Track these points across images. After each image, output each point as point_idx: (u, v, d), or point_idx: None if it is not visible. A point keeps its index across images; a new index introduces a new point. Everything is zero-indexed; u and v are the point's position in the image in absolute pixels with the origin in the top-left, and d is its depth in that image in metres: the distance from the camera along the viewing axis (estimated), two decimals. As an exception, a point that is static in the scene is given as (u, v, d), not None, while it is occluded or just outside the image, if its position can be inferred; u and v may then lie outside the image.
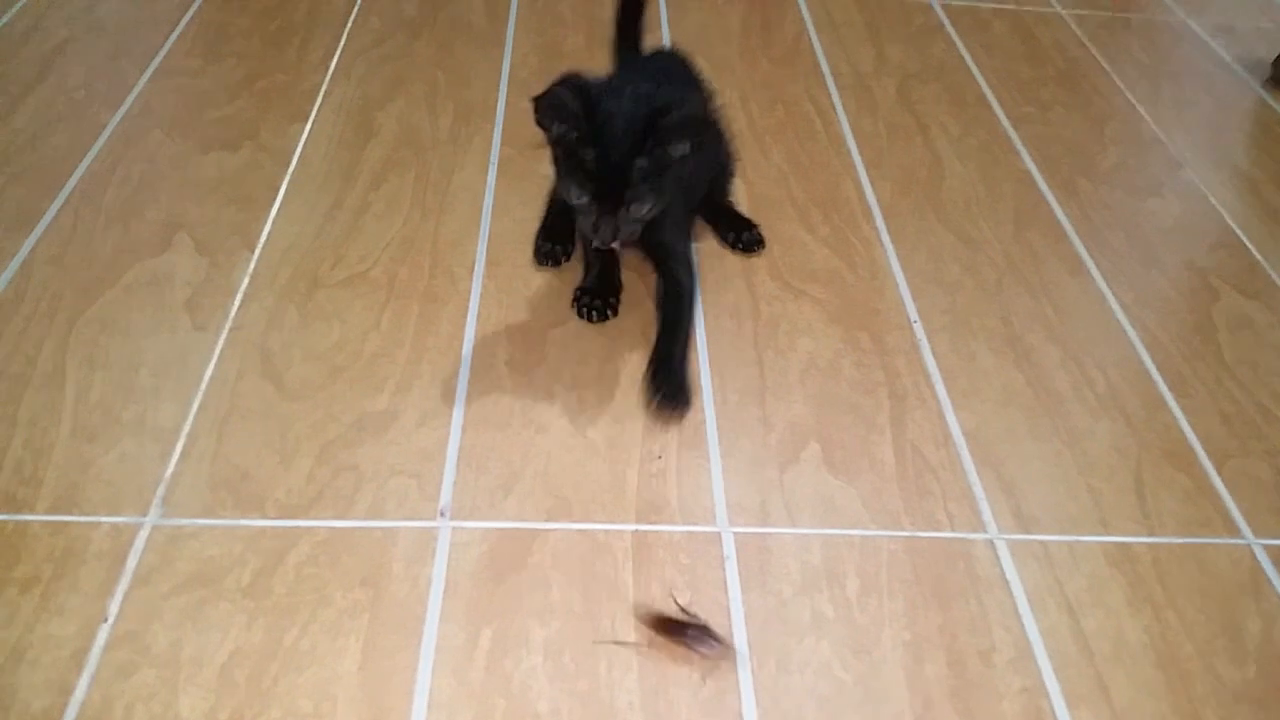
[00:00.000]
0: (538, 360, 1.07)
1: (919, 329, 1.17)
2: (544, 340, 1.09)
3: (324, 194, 1.26)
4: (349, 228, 1.22)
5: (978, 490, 0.99)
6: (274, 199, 1.24)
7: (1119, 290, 1.25)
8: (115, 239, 1.17)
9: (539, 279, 1.17)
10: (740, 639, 0.84)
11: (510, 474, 0.95)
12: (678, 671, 0.81)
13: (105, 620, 0.80)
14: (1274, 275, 1.29)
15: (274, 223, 1.21)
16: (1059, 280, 1.26)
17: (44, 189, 1.23)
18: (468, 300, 1.13)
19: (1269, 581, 0.93)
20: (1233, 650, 0.87)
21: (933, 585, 0.90)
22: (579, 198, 0.98)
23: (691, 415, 1.03)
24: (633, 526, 0.92)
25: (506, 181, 1.31)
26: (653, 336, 1.09)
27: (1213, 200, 1.42)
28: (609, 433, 1.00)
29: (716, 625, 0.84)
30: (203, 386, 1.00)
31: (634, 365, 1.07)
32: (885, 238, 1.29)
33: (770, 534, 0.93)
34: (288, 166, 1.30)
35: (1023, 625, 0.87)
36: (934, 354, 1.13)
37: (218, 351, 1.04)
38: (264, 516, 0.89)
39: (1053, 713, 0.81)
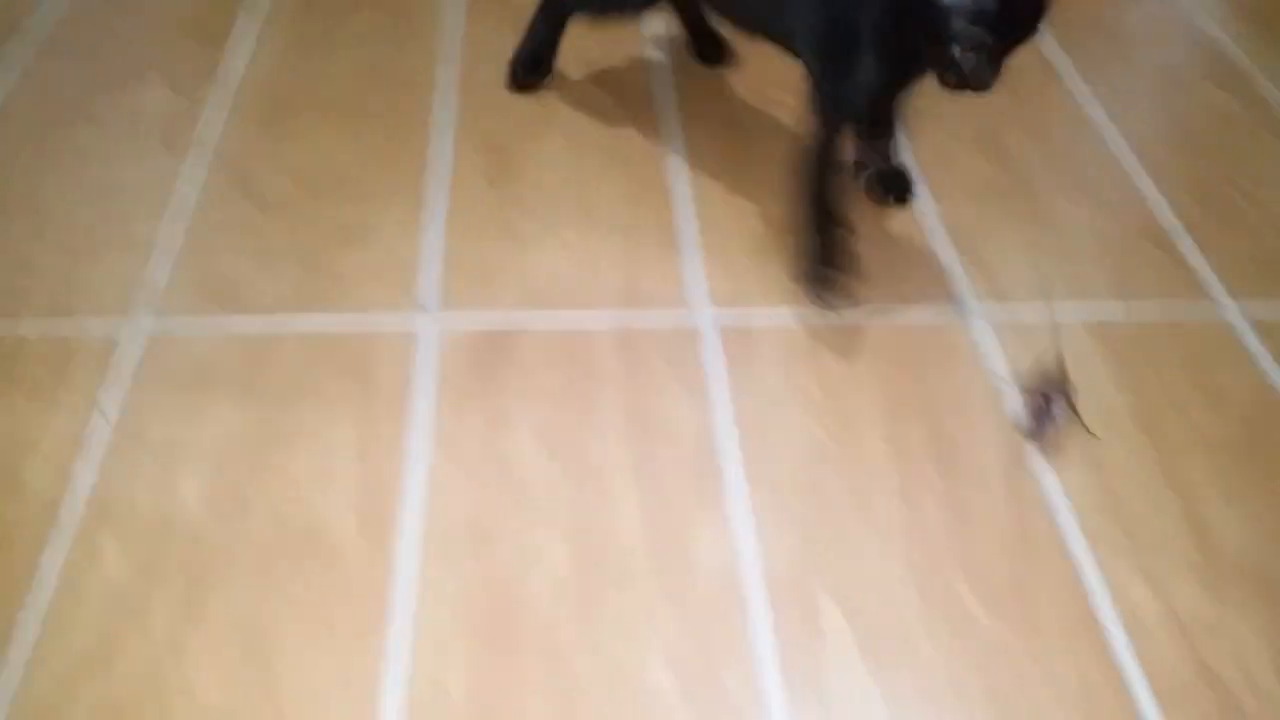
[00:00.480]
0: (514, 174, 1.07)
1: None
2: (518, 155, 1.09)
3: (291, 30, 1.25)
4: (318, 59, 1.21)
5: (956, 272, 1.00)
6: (242, 36, 1.23)
7: (1096, 89, 1.24)
8: (85, 78, 1.16)
9: (512, 101, 1.16)
10: (724, 413, 0.86)
11: (490, 274, 0.96)
12: (666, 444, 0.83)
13: (103, 416, 0.82)
14: (1250, 67, 1.28)
15: (243, 57, 1.20)
16: (1035, 82, 1.25)
17: (4, 32, 1.22)
18: (442, 120, 1.13)
19: (1243, 344, 0.94)
20: (1213, 406, 0.88)
21: (911, 357, 0.91)
22: (979, 45, 0.87)
23: (660, 215, 1.03)
24: (613, 315, 0.93)
25: (477, 10, 1.29)
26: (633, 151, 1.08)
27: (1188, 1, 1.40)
28: (588, 235, 1.01)
29: (697, 402, 0.86)
30: (182, 205, 1.01)
31: (609, 180, 1.07)
32: (862, 48, 1.27)
33: (751, 317, 0.94)
34: (256, 6, 1.28)
35: (1002, 390, 0.89)
36: (911, 153, 1.13)
37: (195, 174, 1.04)
38: (251, 314, 0.90)
39: (1035, 467, 0.83)
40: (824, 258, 0.97)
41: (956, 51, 0.86)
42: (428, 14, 1.29)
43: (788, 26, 0.97)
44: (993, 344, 0.93)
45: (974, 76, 0.87)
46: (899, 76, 0.95)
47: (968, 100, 1.21)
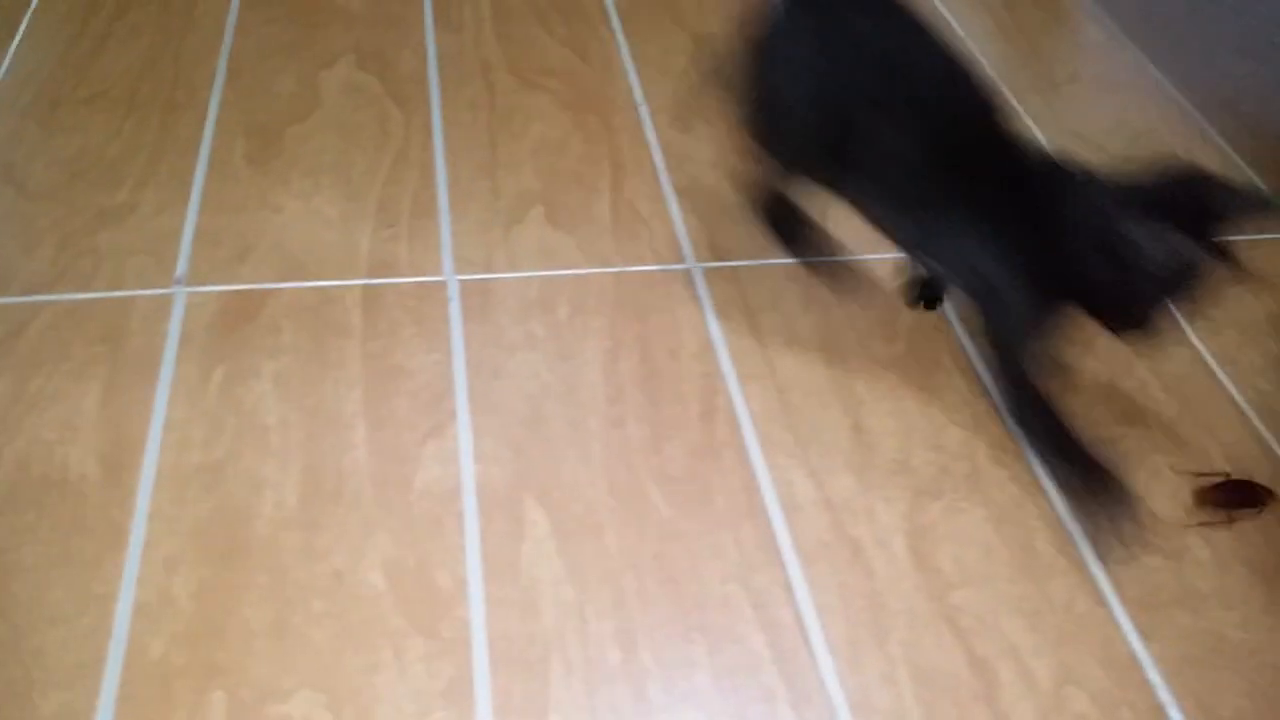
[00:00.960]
0: (275, 154, 1.15)
1: (644, 111, 1.27)
2: (282, 137, 1.17)
3: (65, 26, 1.30)
4: (91, 53, 1.26)
5: (681, 233, 1.11)
6: (14, 33, 1.28)
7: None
8: None
9: (279, 87, 1.24)
10: (458, 359, 0.95)
11: (245, 246, 1.04)
12: (400, 388, 0.92)
13: None
14: (979, 54, 1.43)
15: (15, 54, 1.25)
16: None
17: None
18: (206, 108, 1.19)
19: (925, 279, 1.07)
20: (886, 333, 1.01)
21: (634, 306, 1.02)
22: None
23: (423, 190, 1.12)
24: (363, 281, 1.02)
25: (250, 3, 1.36)
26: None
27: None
28: (344, 208, 1.09)
29: (433, 352, 0.95)
30: (-57, 194, 1.06)
31: (368, 157, 1.16)
32: (620, 36, 1.39)
33: (493, 279, 1.04)
34: (28, 4, 1.33)
35: (708, 328, 1.00)
36: (655, 130, 1.24)
37: (-42, 165, 1.09)
38: (7, 295, 0.96)
39: (728, 390, 0.95)
40: (1096, 483, 0.83)
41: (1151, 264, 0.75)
42: (201, 6, 1.35)
43: (935, 251, 0.89)
44: (701, 291, 1.04)
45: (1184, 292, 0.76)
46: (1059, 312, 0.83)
47: (713, 82, 1.34)
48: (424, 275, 1.03)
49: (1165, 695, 0.75)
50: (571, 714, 0.71)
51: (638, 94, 1.30)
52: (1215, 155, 1.25)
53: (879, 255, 1.08)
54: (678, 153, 1.21)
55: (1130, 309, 0.79)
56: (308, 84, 1.25)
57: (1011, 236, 0.82)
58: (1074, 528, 0.85)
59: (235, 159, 1.13)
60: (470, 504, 0.83)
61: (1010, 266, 0.82)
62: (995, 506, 0.86)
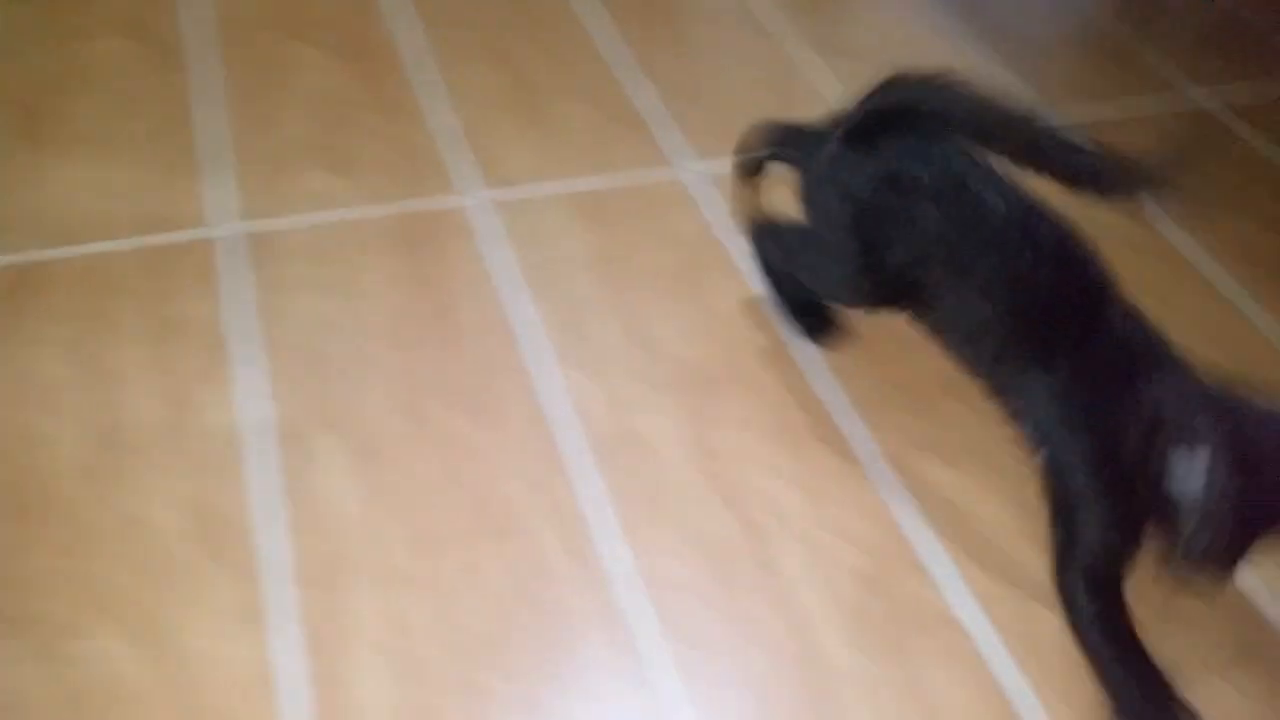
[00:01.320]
0: (42, 127, 1.12)
1: (429, 56, 1.29)
2: (47, 109, 1.14)
3: None
4: None
5: (466, 167, 1.14)
6: None
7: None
8: None
9: (42, 58, 1.21)
10: (243, 307, 0.96)
11: (17, 218, 1.02)
12: (182, 339, 0.92)
13: None
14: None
15: None
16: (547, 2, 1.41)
17: None
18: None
19: (695, 196, 1.13)
20: (663, 245, 1.06)
21: (417, 241, 1.04)
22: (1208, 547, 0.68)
23: (198, 146, 1.12)
24: (140, 241, 1.01)
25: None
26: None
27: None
28: (116, 173, 1.08)
29: (219, 302, 0.96)
30: None
31: (136, 123, 1.14)
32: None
33: (274, 226, 1.04)
34: None
35: (490, 254, 1.04)
36: (439, 69, 1.26)
37: None
38: None
39: (513, 310, 0.98)
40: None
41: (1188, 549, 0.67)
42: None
43: (1016, 408, 0.79)
44: (490, 219, 1.07)
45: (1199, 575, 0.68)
46: (1127, 546, 0.74)
47: (493, 24, 1.36)
48: (203, 229, 1.03)
49: (925, 538, 0.83)
50: (374, 624, 0.74)
51: (421, 41, 1.31)
52: (975, 64, 1.34)
53: (650, 169, 1.14)
54: (456, 92, 1.23)
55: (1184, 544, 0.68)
56: (69, 55, 1.22)
57: (1079, 405, 0.74)
58: (834, 402, 0.92)
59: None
60: (261, 440, 0.85)
61: (1074, 438, 0.73)
62: (767, 394, 0.93)
